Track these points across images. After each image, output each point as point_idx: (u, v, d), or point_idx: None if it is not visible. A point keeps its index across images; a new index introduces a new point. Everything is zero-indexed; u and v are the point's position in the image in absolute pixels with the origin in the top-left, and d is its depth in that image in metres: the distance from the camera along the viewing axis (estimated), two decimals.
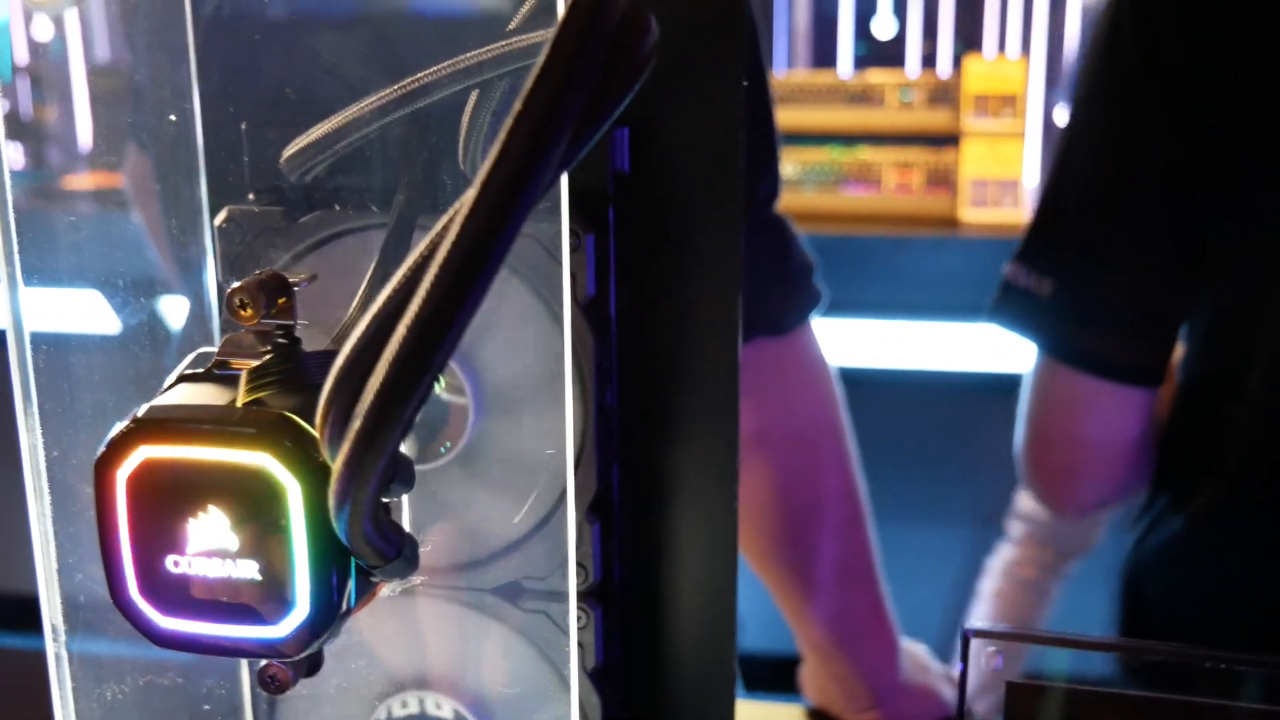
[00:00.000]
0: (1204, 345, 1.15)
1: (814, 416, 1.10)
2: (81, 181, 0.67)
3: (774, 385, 1.07)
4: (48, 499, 0.55)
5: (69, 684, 0.57)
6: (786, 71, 3.85)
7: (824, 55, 3.96)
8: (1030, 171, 3.41)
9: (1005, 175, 3.34)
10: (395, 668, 0.63)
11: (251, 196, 0.59)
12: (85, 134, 0.67)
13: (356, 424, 0.38)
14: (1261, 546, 1.13)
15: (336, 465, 0.40)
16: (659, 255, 0.62)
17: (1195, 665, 0.61)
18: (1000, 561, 2.95)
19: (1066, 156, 1.13)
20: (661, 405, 0.64)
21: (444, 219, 0.38)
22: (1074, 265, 1.13)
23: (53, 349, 0.56)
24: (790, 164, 3.33)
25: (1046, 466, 1.21)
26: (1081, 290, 1.13)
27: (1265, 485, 1.12)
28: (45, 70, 0.72)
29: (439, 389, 0.59)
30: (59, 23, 0.68)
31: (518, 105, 0.35)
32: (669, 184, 0.62)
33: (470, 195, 0.36)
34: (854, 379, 2.70)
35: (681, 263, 0.62)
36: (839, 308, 3.32)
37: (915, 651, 1.18)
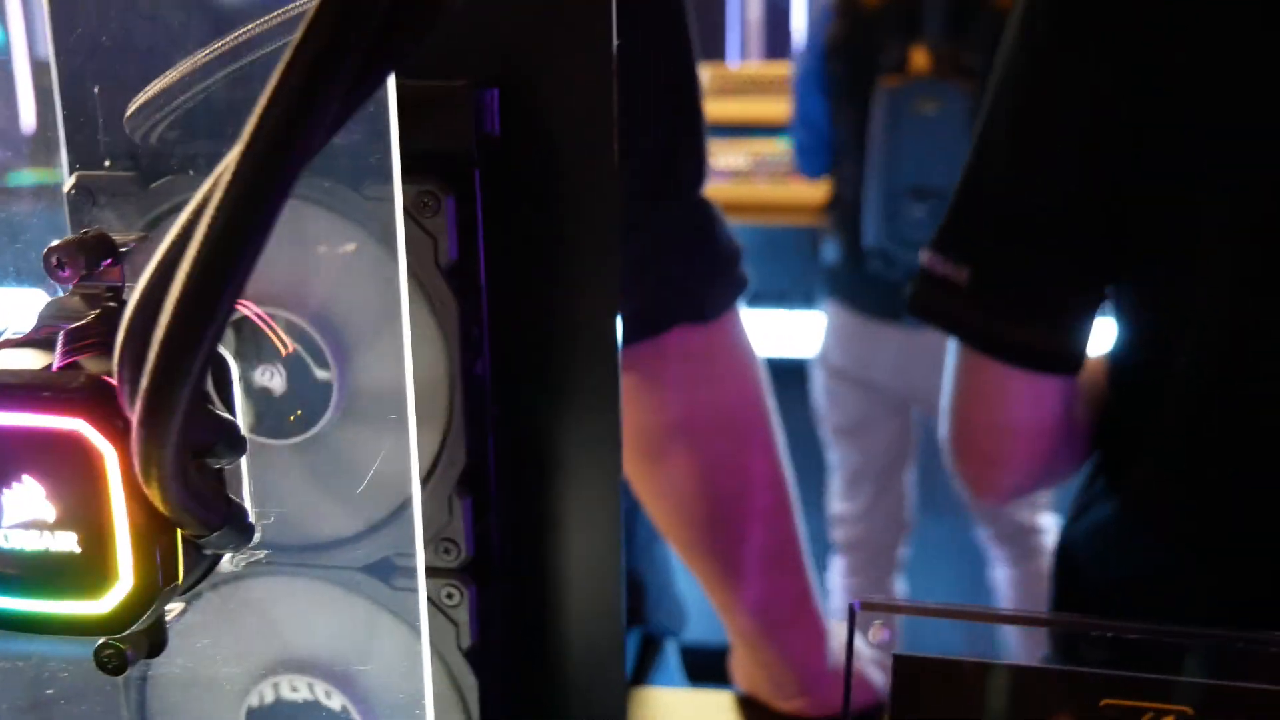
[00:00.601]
0: (1131, 327, 1.14)
1: (740, 405, 1.08)
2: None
3: (699, 374, 1.05)
4: None
5: None
6: (740, 63, 3.84)
7: (777, 46, 3.95)
8: None
9: None
10: (264, 650, 0.61)
11: (107, 163, 0.57)
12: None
13: (145, 380, 0.36)
14: (1190, 528, 1.13)
15: (134, 424, 0.38)
16: (534, 220, 0.60)
17: (1088, 635, 0.59)
18: (835, 576, 2.96)
19: (985, 138, 1.12)
20: (540, 377, 0.62)
21: (221, 164, 0.36)
22: (992, 251, 1.11)
23: None
24: (741, 155, 3.31)
25: (968, 454, 1.20)
26: (998, 278, 1.11)
27: (1194, 465, 1.11)
28: None
29: (313, 365, 0.57)
30: None
31: (294, 41, 0.34)
32: (543, 147, 0.60)
33: (244, 137, 0.34)
34: (802, 370, 2.69)
35: (559, 228, 0.61)
36: (789, 299, 3.32)
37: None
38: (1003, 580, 2.89)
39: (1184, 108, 1.03)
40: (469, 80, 0.58)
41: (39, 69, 0.63)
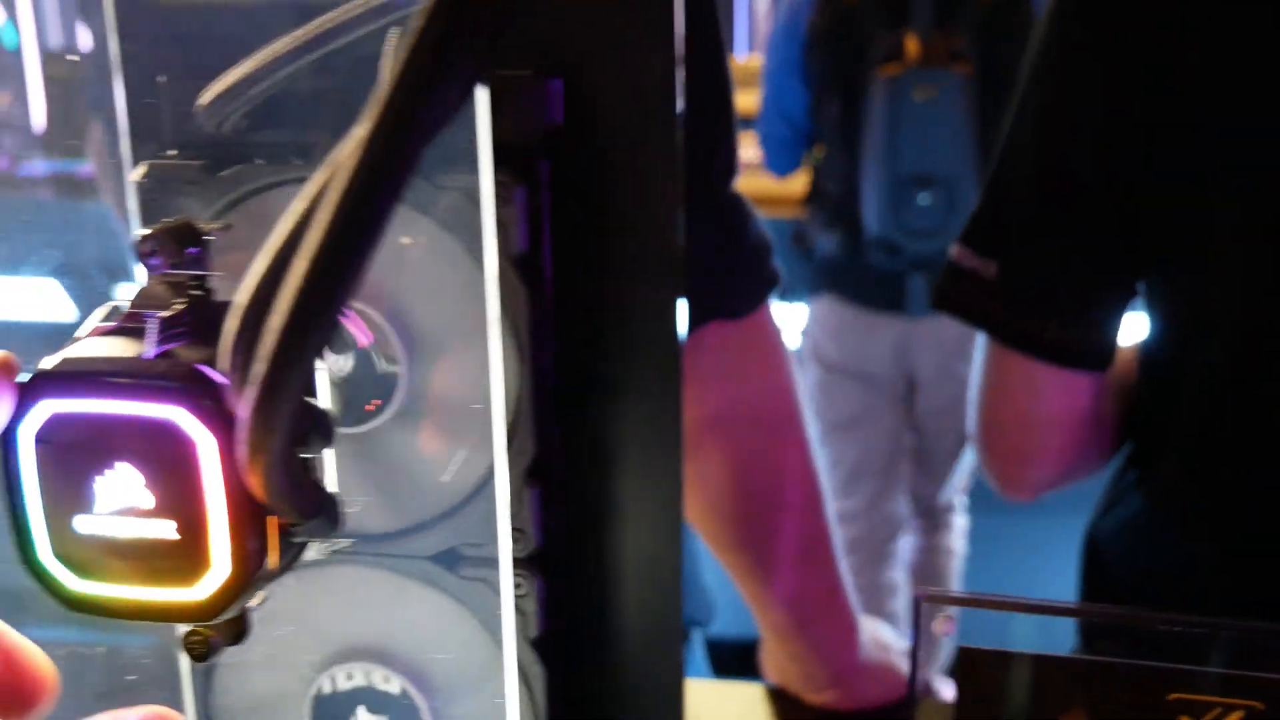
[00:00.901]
0: (1154, 323, 1.14)
1: (772, 400, 1.08)
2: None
3: (732, 370, 1.05)
4: None
5: None
6: (747, 56, 3.82)
7: None
8: None
9: None
10: (332, 638, 0.61)
11: (173, 152, 0.57)
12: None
13: (259, 368, 0.36)
14: (1208, 526, 1.13)
15: (242, 412, 0.38)
16: (597, 210, 0.60)
17: (1148, 629, 0.59)
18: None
19: (1013, 134, 1.12)
20: (602, 367, 0.62)
21: (340, 146, 0.36)
22: (1020, 246, 1.11)
23: None
24: (750, 148, 3.31)
25: (997, 449, 1.20)
26: (1027, 272, 1.11)
27: (1209, 465, 1.11)
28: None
29: (376, 358, 0.58)
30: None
31: (416, 20, 0.34)
32: (605, 136, 0.60)
33: (369, 116, 0.34)
34: None
35: (621, 218, 0.61)
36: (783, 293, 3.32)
37: (875, 630, 1.17)
38: (905, 548, 2.91)
39: (1196, 108, 1.03)
40: (532, 69, 0.58)
41: (53, 61, 0.63)
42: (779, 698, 1.13)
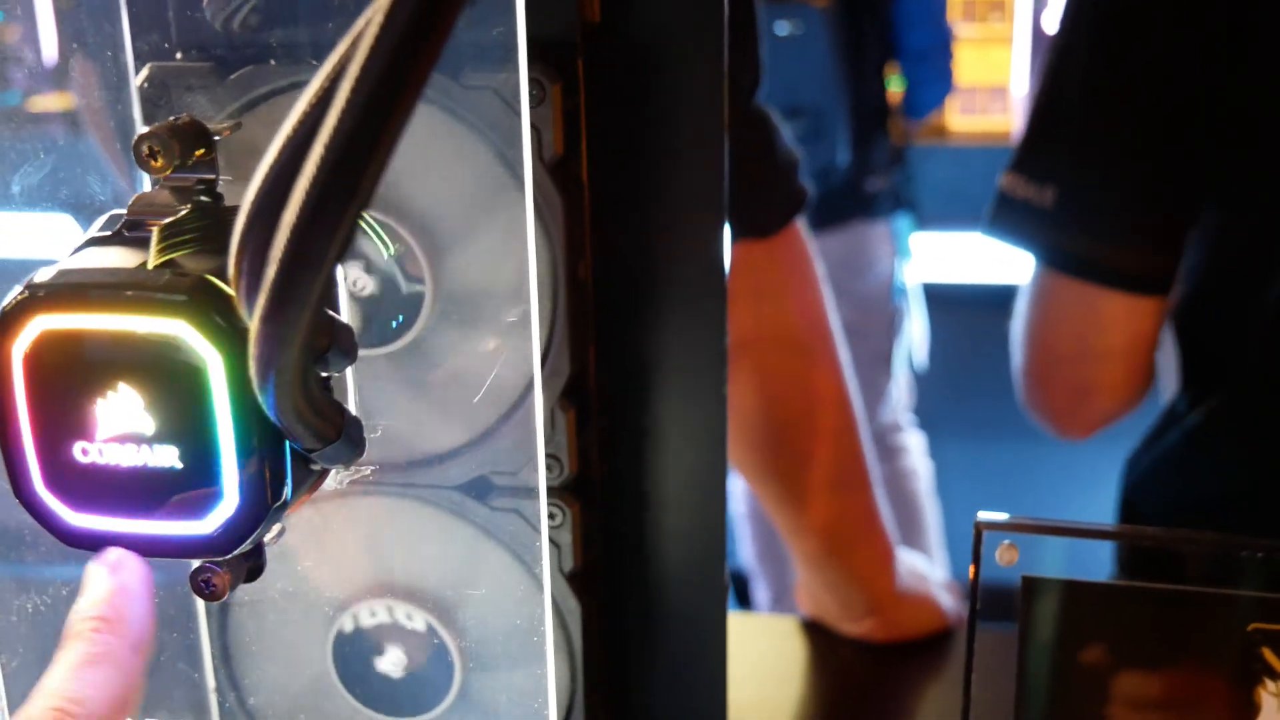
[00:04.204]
0: (1214, 250, 1.09)
1: (804, 321, 1.05)
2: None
3: (761, 289, 1.01)
4: None
5: None
6: None
7: None
8: (1018, 78, 3.36)
9: (993, 82, 3.28)
10: (355, 574, 0.57)
11: (179, 56, 0.53)
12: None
13: (272, 270, 0.32)
14: (1269, 453, 1.09)
15: (254, 322, 0.34)
16: (636, 112, 0.56)
17: (1232, 555, 0.56)
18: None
19: (1063, 53, 1.07)
20: (641, 282, 0.58)
21: (362, 18, 0.31)
22: (1077, 169, 1.06)
23: None
24: None
25: (1055, 385, 1.15)
26: (1086, 196, 1.06)
27: (1272, 395, 1.07)
28: None
29: (399, 277, 0.53)
30: None
31: None
32: (646, 32, 0.56)
33: None
34: None
35: (661, 120, 0.56)
36: None
37: (911, 560, 1.14)
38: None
39: (1263, 17, 0.98)
40: None
41: None
42: (814, 630, 1.10)
